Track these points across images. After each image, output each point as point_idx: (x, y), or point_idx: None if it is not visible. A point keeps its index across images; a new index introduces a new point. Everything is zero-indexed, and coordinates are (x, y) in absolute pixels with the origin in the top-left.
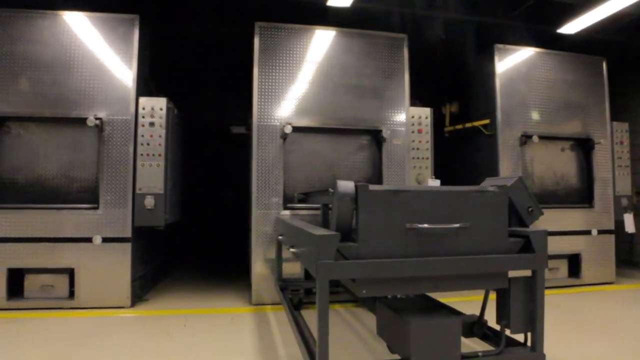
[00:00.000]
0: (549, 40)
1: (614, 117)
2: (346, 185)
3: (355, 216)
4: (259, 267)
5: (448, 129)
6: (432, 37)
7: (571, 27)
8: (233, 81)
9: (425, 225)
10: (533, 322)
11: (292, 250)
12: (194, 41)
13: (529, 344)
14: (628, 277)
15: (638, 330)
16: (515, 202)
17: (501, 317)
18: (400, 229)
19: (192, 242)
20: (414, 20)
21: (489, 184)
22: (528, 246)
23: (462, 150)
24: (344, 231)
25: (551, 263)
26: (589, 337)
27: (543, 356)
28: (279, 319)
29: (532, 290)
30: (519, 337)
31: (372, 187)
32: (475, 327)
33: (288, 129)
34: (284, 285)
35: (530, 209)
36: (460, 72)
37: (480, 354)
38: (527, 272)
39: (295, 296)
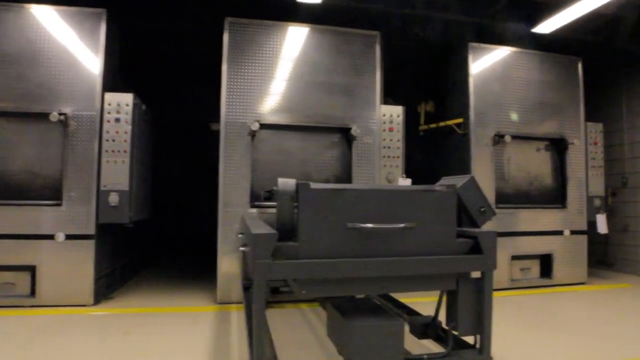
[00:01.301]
0: (526, 40)
1: (589, 117)
2: (286, 183)
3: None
4: (225, 266)
5: (423, 127)
6: (408, 35)
7: (546, 27)
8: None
9: (368, 225)
10: (481, 324)
11: (241, 249)
12: (166, 37)
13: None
14: (601, 278)
15: (597, 332)
16: (467, 202)
17: (450, 318)
18: (342, 228)
19: (166, 240)
20: (388, 17)
21: (444, 183)
22: (477, 247)
23: (437, 149)
24: (285, 230)
25: (523, 263)
26: (547, 338)
27: (490, 359)
28: (242, 319)
29: (481, 292)
30: (472, 339)
31: (314, 185)
32: (429, 328)
33: (255, 126)
34: (249, 284)
35: (482, 209)
36: (436, 70)
37: (425, 356)
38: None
39: None
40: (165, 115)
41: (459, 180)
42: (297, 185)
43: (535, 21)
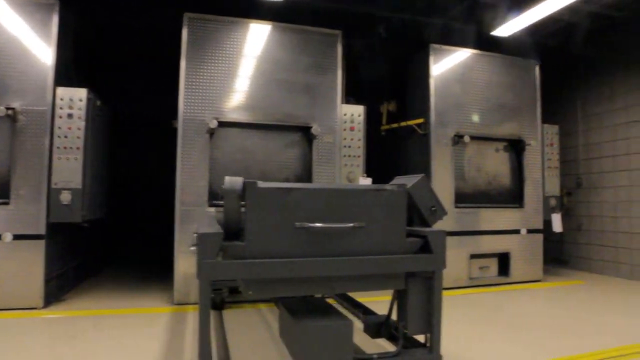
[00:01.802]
0: (486, 43)
1: (547, 119)
2: (233, 182)
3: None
4: (183, 266)
5: (385, 127)
6: (370, 34)
7: (504, 30)
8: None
9: (317, 225)
10: (431, 323)
11: (191, 248)
12: (124, 32)
13: None
14: (556, 275)
15: (547, 327)
16: (418, 201)
17: (400, 318)
18: (290, 228)
19: (125, 240)
20: (351, 17)
21: (396, 182)
22: (427, 246)
23: (398, 149)
24: (233, 229)
25: (482, 262)
26: (499, 335)
27: (440, 357)
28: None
29: (431, 291)
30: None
31: (261, 184)
32: (382, 327)
33: (213, 124)
34: None
35: (433, 209)
36: (398, 71)
37: (375, 356)
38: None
39: (218, 296)
40: (125, 112)
41: (411, 180)
42: (244, 184)
43: (495, 24)
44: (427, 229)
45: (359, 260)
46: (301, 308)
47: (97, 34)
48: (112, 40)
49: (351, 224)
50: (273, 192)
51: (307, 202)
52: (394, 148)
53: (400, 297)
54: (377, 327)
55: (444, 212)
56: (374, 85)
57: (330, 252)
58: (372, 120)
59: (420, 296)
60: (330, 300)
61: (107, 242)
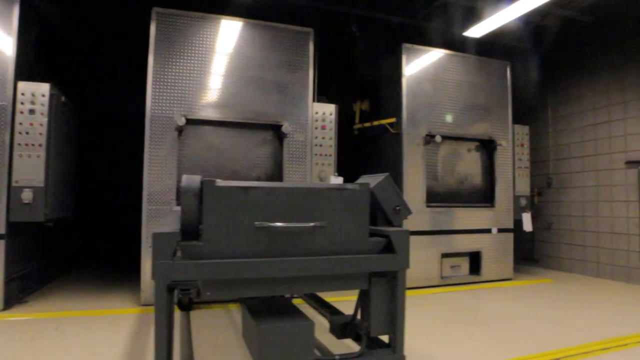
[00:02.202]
0: (460, 43)
1: (518, 120)
2: (190, 180)
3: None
4: (150, 266)
5: (357, 126)
6: (345, 33)
7: (476, 31)
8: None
9: (277, 224)
10: (394, 323)
11: (149, 247)
12: (92, 25)
13: None
14: (526, 274)
15: (511, 326)
16: (382, 200)
17: (363, 318)
18: (250, 227)
19: (92, 239)
20: (325, 15)
21: (361, 181)
22: (390, 246)
23: (371, 148)
24: (191, 229)
25: (453, 261)
26: (465, 334)
27: (403, 357)
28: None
29: (393, 291)
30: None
31: (220, 182)
32: (347, 328)
33: (181, 121)
34: (174, 284)
35: (397, 208)
36: (372, 70)
37: (337, 357)
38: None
39: (185, 296)
40: (95, 108)
41: (375, 179)
42: (202, 182)
43: (467, 25)
44: (390, 229)
45: (320, 261)
46: (263, 308)
47: (63, 27)
48: (79, 34)
49: (312, 224)
50: (232, 190)
51: (267, 201)
52: (367, 147)
53: (363, 298)
54: (343, 327)
55: (408, 212)
56: (348, 84)
57: (291, 252)
58: (346, 120)
59: (383, 296)
60: (298, 300)
61: (76, 241)
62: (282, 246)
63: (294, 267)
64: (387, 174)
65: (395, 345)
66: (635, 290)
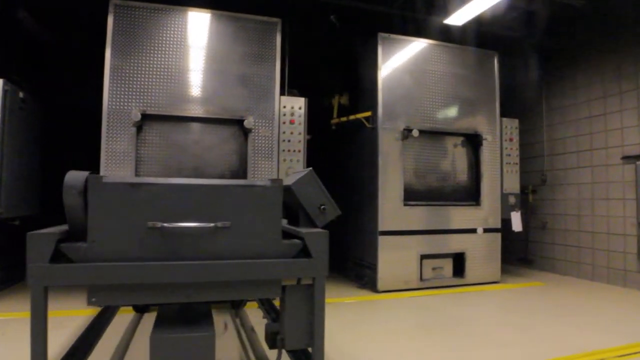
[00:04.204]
0: (445, 33)
1: (512, 114)
2: (74, 177)
3: None
4: None
5: (335, 121)
6: (321, 23)
7: (458, 18)
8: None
9: (172, 225)
10: (313, 335)
11: None
12: (50, 19)
13: None
14: (516, 276)
15: (482, 334)
16: (304, 198)
17: (280, 329)
18: (141, 228)
19: None
20: (299, 4)
21: (290, 178)
22: (306, 250)
23: (347, 144)
24: (78, 230)
25: (435, 262)
26: (423, 343)
27: None
28: (117, 322)
29: (311, 300)
30: None
31: (107, 179)
32: (278, 337)
33: (137, 117)
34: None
35: (322, 207)
36: (351, 62)
37: None
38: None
39: None
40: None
41: (299, 175)
42: (87, 178)
43: (448, 11)
44: (305, 230)
45: (221, 265)
46: (173, 315)
47: (19, 21)
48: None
49: (213, 224)
50: (121, 187)
51: (163, 199)
52: (344, 143)
53: (281, 306)
54: (273, 336)
55: (336, 211)
56: (326, 78)
57: (190, 255)
58: (324, 114)
59: (299, 306)
60: (253, 304)
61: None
62: (179, 249)
63: (191, 272)
64: (310, 168)
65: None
66: (630, 295)
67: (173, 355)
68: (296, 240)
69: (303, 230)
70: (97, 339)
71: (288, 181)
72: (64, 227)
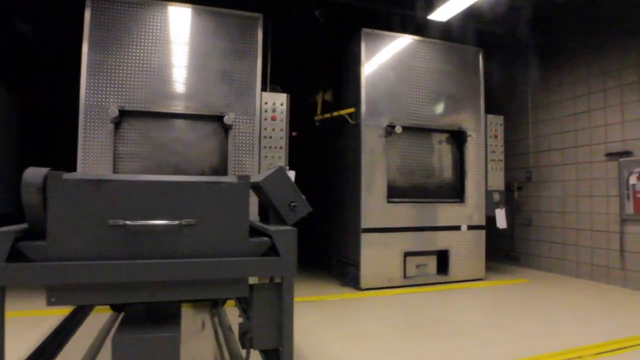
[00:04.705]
0: (430, 29)
1: (498, 111)
2: (32, 173)
3: None
4: None
5: (318, 117)
6: (305, 19)
7: (442, 14)
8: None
9: (134, 222)
10: (282, 336)
11: None
12: (29, 15)
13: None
14: (501, 273)
15: (459, 332)
16: (274, 196)
17: (248, 329)
18: (103, 226)
19: None
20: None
21: (259, 175)
22: (274, 248)
23: (331, 141)
24: (36, 228)
25: (419, 260)
26: (397, 343)
27: None
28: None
29: (280, 299)
30: None
31: (67, 176)
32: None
33: (114, 113)
34: None
35: (293, 205)
36: (335, 58)
37: None
38: None
39: None
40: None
41: (268, 171)
42: (47, 175)
43: (432, 7)
44: (273, 227)
45: (185, 264)
46: (140, 314)
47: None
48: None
49: (178, 222)
50: (81, 184)
51: (126, 196)
52: (328, 140)
53: (249, 306)
54: (244, 336)
55: (307, 209)
56: (310, 74)
57: (154, 254)
58: (310, 111)
59: (267, 305)
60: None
61: None
62: (142, 247)
63: (154, 271)
64: (280, 165)
65: None
66: (613, 292)
67: (135, 356)
68: (264, 238)
69: (271, 228)
70: (67, 339)
71: (257, 178)
72: (24, 226)
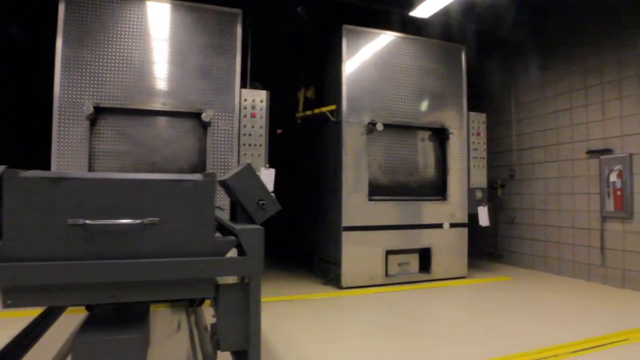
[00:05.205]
0: (412, 26)
1: (481, 108)
2: None
3: None
4: None
5: (300, 114)
6: (287, 16)
7: (424, 10)
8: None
9: (94, 222)
10: (248, 337)
11: None
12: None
13: None
14: (484, 271)
15: (439, 332)
16: (241, 194)
17: (214, 330)
18: (61, 225)
19: None
20: None
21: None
22: (240, 247)
23: (313, 138)
24: None
25: (401, 258)
26: (375, 343)
27: None
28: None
29: (246, 299)
30: None
31: (24, 173)
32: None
33: (89, 109)
34: None
35: (261, 203)
36: (317, 55)
37: None
38: None
39: None
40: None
41: (236, 169)
42: (2, 173)
43: (414, 4)
44: (239, 226)
45: (147, 264)
46: (105, 315)
47: None
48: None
49: (140, 221)
50: (39, 182)
51: (86, 195)
52: (310, 137)
53: (215, 307)
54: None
55: (276, 207)
56: (292, 71)
57: (115, 254)
58: (293, 108)
59: (234, 306)
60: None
61: None
62: (103, 247)
63: (114, 271)
64: (248, 163)
65: None
66: (593, 289)
67: (98, 357)
68: (231, 237)
69: (237, 226)
70: (34, 341)
71: (225, 176)
72: None
